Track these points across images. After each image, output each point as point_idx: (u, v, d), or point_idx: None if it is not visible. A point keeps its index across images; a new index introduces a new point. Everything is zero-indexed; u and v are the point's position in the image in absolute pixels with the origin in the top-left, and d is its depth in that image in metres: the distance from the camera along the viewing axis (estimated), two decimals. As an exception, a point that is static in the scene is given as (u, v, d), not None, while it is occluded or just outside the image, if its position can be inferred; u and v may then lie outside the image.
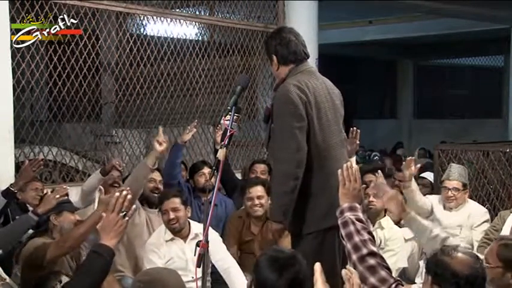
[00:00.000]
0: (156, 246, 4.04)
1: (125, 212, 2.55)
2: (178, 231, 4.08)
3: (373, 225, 4.61)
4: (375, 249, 2.61)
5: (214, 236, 4.18)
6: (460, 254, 2.39)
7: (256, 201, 4.56)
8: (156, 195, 4.55)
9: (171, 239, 4.07)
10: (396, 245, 4.53)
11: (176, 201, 4.09)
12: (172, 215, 4.05)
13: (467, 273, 2.33)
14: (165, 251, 4.02)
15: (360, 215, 2.74)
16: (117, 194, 2.56)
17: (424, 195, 5.60)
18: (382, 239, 4.55)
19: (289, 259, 2.43)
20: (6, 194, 4.32)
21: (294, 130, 3.30)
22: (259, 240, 4.62)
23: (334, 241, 3.47)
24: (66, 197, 4.00)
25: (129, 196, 2.57)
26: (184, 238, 4.10)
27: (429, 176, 5.91)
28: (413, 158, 4.92)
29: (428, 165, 6.89)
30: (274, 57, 3.51)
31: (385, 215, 4.67)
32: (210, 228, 4.16)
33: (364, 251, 2.58)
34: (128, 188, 2.63)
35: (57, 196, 3.89)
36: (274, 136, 3.37)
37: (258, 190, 4.57)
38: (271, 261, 2.42)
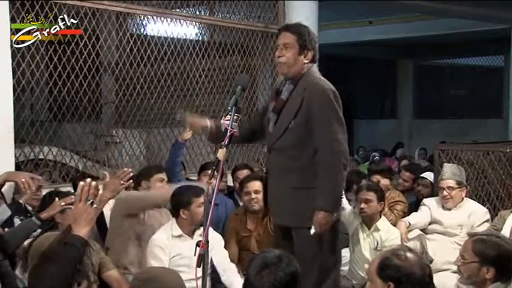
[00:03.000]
0: (163, 241, 4.04)
1: (91, 200, 2.56)
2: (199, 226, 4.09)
3: (369, 229, 4.60)
4: None
5: (215, 237, 4.19)
6: (410, 255, 2.46)
7: (253, 196, 4.60)
8: None
9: (179, 236, 4.08)
10: (393, 246, 4.52)
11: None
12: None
13: (421, 273, 2.42)
14: (172, 247, 4.03)
15: None
16: (82, 183, 2.57)
17: (425, 195, 5.62)
18: (379, 241, 4.55)
19: (276, 258, 2.44)
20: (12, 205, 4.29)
21: (342, 125, 3.46)
22: (255, 236, 4.64)
23: (334, 238, 3.59)
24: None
25: (93, 183, 2.58)
26: (191, 235, 4.11)
27: (429, 176, 5.91)
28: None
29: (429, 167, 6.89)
30: (311, 53, 3.56)
31: (380, 217, 4.66)
32: (211, 228, 4.21)
33: None
34: (90, 180, 2.63)
35: (63, 204, 3.93)
36: (326, 128, 3.42)
37: (256, 185, 4.60)
38: (258, 258, 2.47)
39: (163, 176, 4.52)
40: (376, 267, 2.48)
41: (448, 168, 5.02)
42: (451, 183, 4.92)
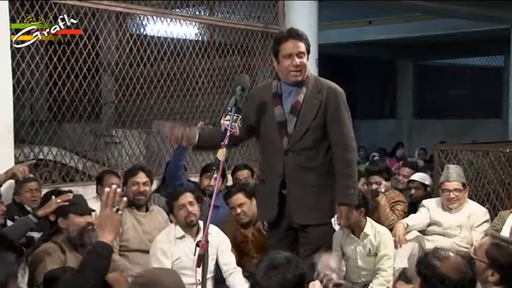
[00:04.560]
0: (165, 244, 4.04)
1: (117, 207, 2.59)
2: (193, 226, 4.10)
3: (359, 237, 4.54)
4: None
5: (222, 239, 4.19)
6: (452, 257, 2.41)
7: (238, 210, 4.55)
8: (141, 198, 4.50)
9: (181, 237, 4.08)
10: (387, 247, 4.49)
11: (192, 196, 4.16)
12: (190, 209, 4.08)
13: (456, 278, 2.38)
14: (174, 249, 4.03)
15: None
16: (107, 189, 2.61)
17: (420, 197, 5.61)
18: (371, 247, 4.49)
19: (284, 260, 2.42)
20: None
21: (351, 123, 3.68)
22: (252, 241, 4.62)
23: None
24: (76, 199, 3.97)
25: (118, 190, 2.62)
26: (194, 237, 4.11)
27: (418, 176, 5.89)
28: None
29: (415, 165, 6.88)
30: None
31: (366, 221, 4.59)
32: (219, 230, 4.20)
33: None
34: (115, 186, 2.68)
35: (59, 201, 3.86)
36: (342, 127, 3.61)
37: (238, 198, 4.55)
38: (266, 260, 2.45)
39: (142, 173, 4.55)
40: (417, 259, 2.54)
41: (453, 170, 4.98)
42: (458, 185, 4.90)
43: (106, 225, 2.59)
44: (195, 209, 4.11)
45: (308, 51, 3.65)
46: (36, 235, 4.11)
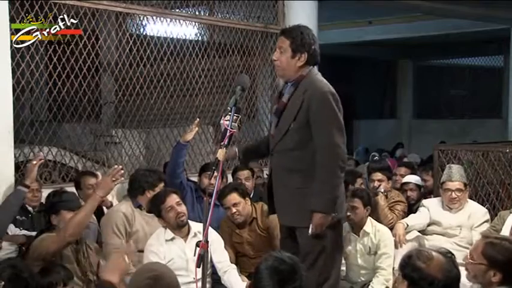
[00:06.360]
0: (156, 247, 4.03)
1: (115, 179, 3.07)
2: (183, 226, 4.10)
3: (359, 236, 4.55)
4: None
5: (215, 237, 4.18)
6: (435, 257, 2.42)
7: (234, 210, 4.52)
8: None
9: (172, 239, 4.07)
10: (387, 246, 4.50)
11: (177, 197, 4.15)
12: (179, 209, 4.07)
13: (443, 279, 2.40)
14: (166, 251, 4.02)
15: None
16: (116, 166, 3.03)
17: (417, 199, 5.61)
18: (371, 246, 4.50)
19: (291, 273, 2.40)
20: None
21: (341, 128, 3.48)
22: (249, 242, 4.62)
23: (337, 238, 3.67)
24: (67, 196, 4.02)
25: (122, 171, 3.16)
26: (185, 237, 4.10)
27: (413, 179, 5.88)
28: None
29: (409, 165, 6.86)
30: (304, 55, 3.56)
31: (367, 220, 4.59)
32: (211, 228, 4.21)
33: None
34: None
35: (34, 162, 4.18)
36: (324, 129, 3.45)
37: (232, 198, 4.51)
38: (272, 272, 2.41)
39: (162, 184, 4.56)
40: (400, 262, 2.52)
41: (456, 169, 4.97)
42: (460, 185, 4.90)
43: (102, 186, 3.60)
44: (183, 208, 4.10)
45: (294, 50, 3.53)
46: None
